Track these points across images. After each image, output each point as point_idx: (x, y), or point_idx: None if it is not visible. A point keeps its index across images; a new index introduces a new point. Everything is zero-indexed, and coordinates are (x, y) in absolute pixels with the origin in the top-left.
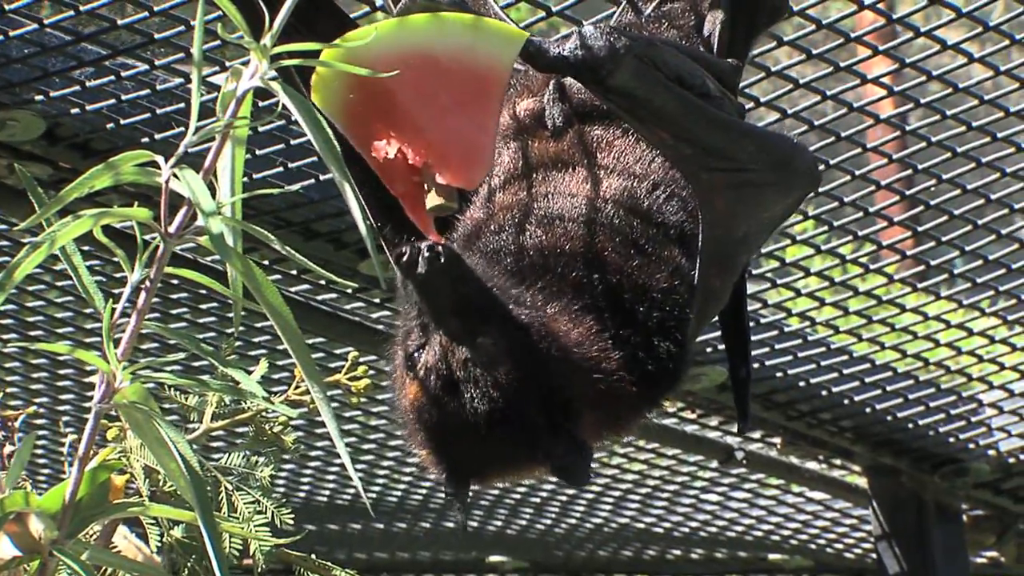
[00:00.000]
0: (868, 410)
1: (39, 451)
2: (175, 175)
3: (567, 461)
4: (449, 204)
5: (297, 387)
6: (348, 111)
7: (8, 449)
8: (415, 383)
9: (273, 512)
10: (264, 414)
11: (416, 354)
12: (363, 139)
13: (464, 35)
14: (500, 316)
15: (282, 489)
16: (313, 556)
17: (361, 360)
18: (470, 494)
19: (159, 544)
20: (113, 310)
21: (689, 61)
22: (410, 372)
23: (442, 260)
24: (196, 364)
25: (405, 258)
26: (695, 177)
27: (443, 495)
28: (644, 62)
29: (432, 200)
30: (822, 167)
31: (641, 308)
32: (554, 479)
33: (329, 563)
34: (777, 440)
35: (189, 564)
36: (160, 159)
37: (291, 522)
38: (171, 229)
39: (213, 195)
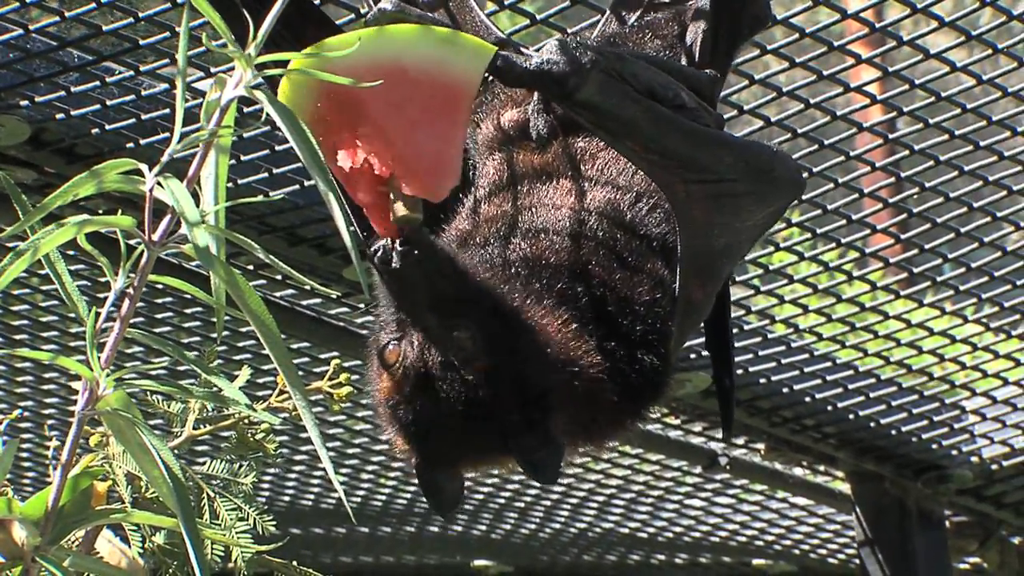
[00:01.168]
0: (851, 416)
1: (24, 454)
2: (159, 183)
3: (537, 456)
4: (414, 215)
5: (280, 394)
6: (315, 119)
7: None
8: (390, 375)
9: (255, 519)
10: (247, 421)
11: (391, 346)
12: (328, 147)
13: (433, 48)
14: (477, 308)
15: (267, 493)
16: (295, 563)
17: (345, 366)
18: (444, 483)
19: (141, 550)
20: (97, 316)
21: (661, 73)
22: (385, 364)
23: (416, 254)
24: (181, 368)
25: (380, 253)
26: (671, 189)
27: (417, 485)
28: (612, 76)
29: (398, 210)
30: (806, 174)
31: (624, 321)
32: (532, 479)
33: (311, 570)
34: (761, 446)
35: (171, 570)
36: (144, 167)
37: (274, 528)
38: (155, 237)
39: (197, 203)
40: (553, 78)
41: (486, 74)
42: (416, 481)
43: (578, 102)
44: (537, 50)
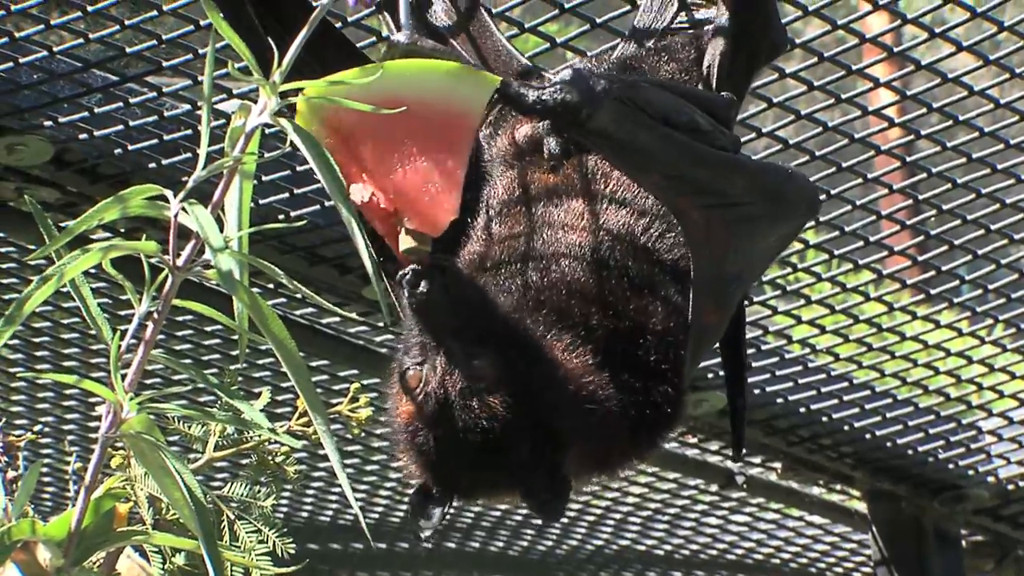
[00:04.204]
0: (868, 436)
1: (43, 471)
2: (183, 209)
3: (544, 496)
4: (422, 247)
5: (300, 417)
6: None
7: (12, 474)
8: (409, 401)
9: (275, 541)
10: (267, 444)
11: (411, 372)
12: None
13: (436, 82)
14: (497, 340)
15: (285, 509)
16: None
17: (364, 384)
18: (446, 511)
19: (162, 571)
20: (121, 338)
21: (675, 98)
22: (406, 389)
23: (443, 280)
24: (200, 387)
25: (408, 278)
26: (685, 215)
27: (413, 506)
28: (625, 104)
29: (405, 243)
30: (823, 196)
31: (639, 351)
32: (536, 517)
33: None
34: (777, 465)
35: None
36: (169, 193)
37: (293, 549)
38: (179, 262)
39: (221, 228)
40: (566, 108)
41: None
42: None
43: (591, 131)
44: (547, 80)
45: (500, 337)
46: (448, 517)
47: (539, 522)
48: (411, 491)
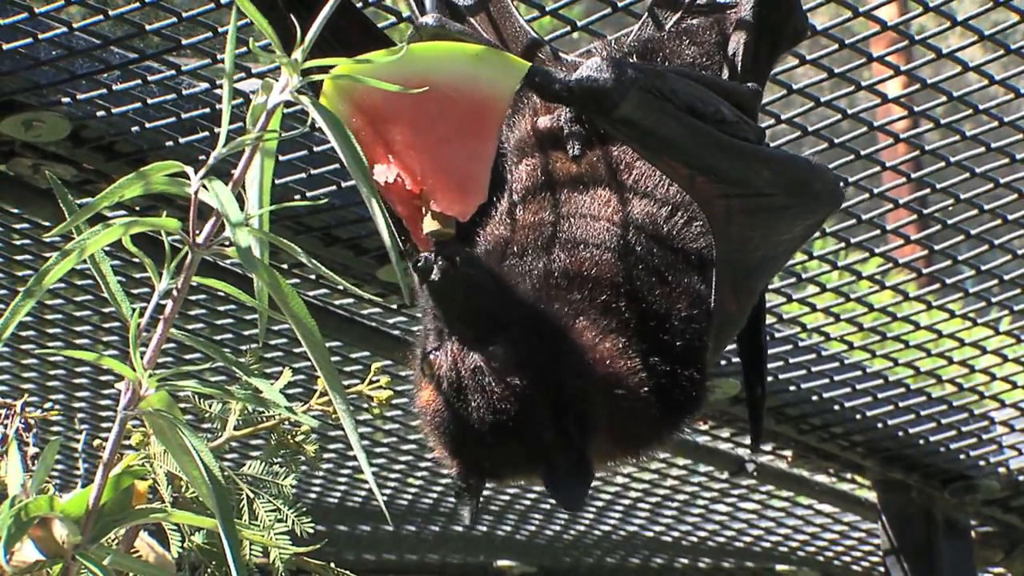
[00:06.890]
0: (880, 425)
1: None
2: (204, 186)
3: (565, 483)
4: (446, 230)
5: (319, 396)
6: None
7: (31, 451)
8: (428, 386)
9: (293, 520)
10: (286, 423)
11: (430, 357)
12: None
13: (465, 64)
14: (514, 325)
15: (293, 490)
16: (332, 565)
17: (378, 366)
18: (482, 494)
19: (180, 550)
20: (140, 315)
21: (701, 88)
22: (424, 375)
23: (457, 267)
24: (212, 367)
25: (420, 264)
26: (709, 204)
27: (455, 493)
28: (651, 93)
29: (429, 225)
30: (842, 185)
31: (664, 336)
32: (557, 504)
33: (347, 571)
34: (788, 453)
35: (210, 570)
36: (189, 170)
37: (311, 529)
38: (199, 239)
39: (241, 205)
40: (592, 96)
41: (521, 87)
42: (448, 482)
43: (617, 120)
44: (574, 67)
45: (517, 323)
46: (481, 500)
47: (547, 506)
48: (456, 483)
